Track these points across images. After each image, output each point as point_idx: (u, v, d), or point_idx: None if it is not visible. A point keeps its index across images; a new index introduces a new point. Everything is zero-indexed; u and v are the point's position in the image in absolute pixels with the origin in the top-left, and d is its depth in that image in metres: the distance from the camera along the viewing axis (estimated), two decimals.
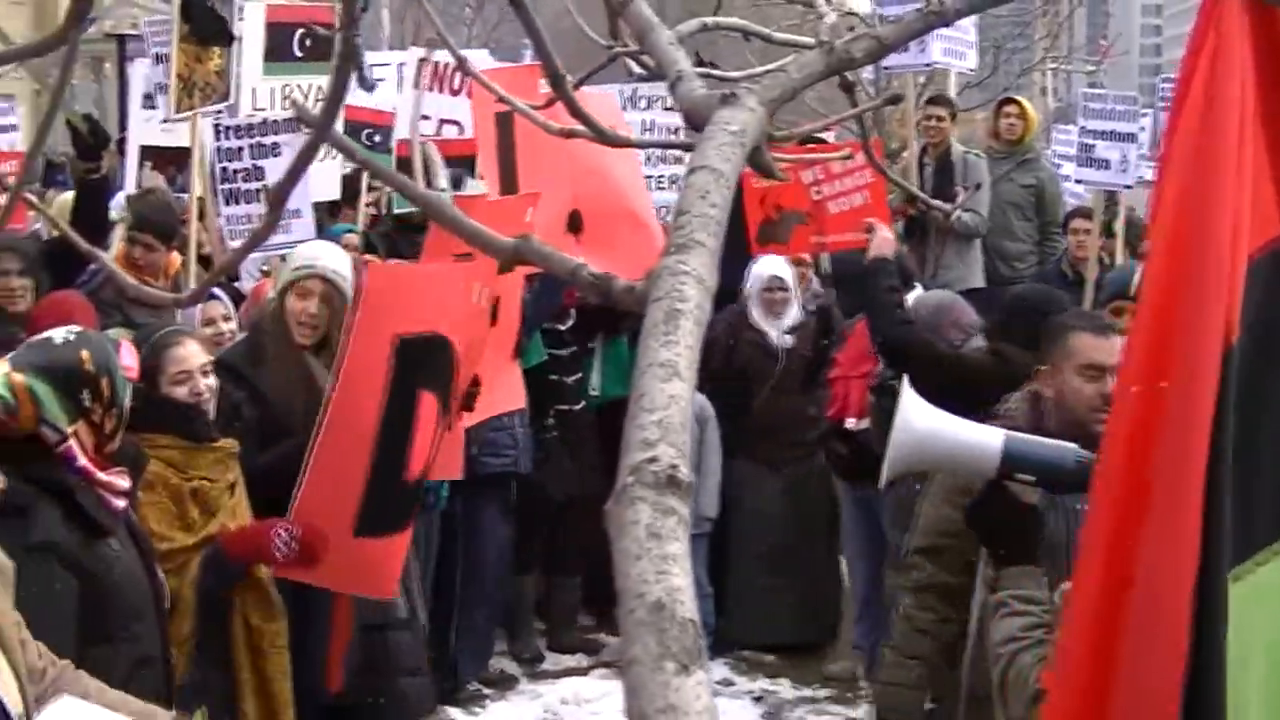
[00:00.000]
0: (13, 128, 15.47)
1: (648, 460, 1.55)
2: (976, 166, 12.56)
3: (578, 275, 1.98)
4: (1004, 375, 6.35)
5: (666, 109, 11.66)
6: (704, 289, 1.83)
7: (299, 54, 10.42)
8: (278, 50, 10.30)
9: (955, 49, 12.67)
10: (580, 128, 2.37)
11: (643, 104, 11.72)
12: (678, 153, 11.44)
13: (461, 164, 10.45)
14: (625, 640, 1.39)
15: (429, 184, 9.44)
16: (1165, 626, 2.79)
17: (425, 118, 10.53)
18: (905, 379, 5.13)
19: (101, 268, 8.07)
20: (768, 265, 10.48)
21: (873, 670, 9.93)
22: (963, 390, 6.18)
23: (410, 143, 10.12)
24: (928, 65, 13.33)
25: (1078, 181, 13.98)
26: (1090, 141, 12.76)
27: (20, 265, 8.00)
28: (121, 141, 12.49)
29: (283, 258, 7.59)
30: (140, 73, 12.23)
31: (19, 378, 4.67)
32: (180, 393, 5.77)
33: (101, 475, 4.78)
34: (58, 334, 4.93)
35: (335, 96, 1.72)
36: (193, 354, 5.84)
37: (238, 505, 5.91)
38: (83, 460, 4.72)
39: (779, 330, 10.34)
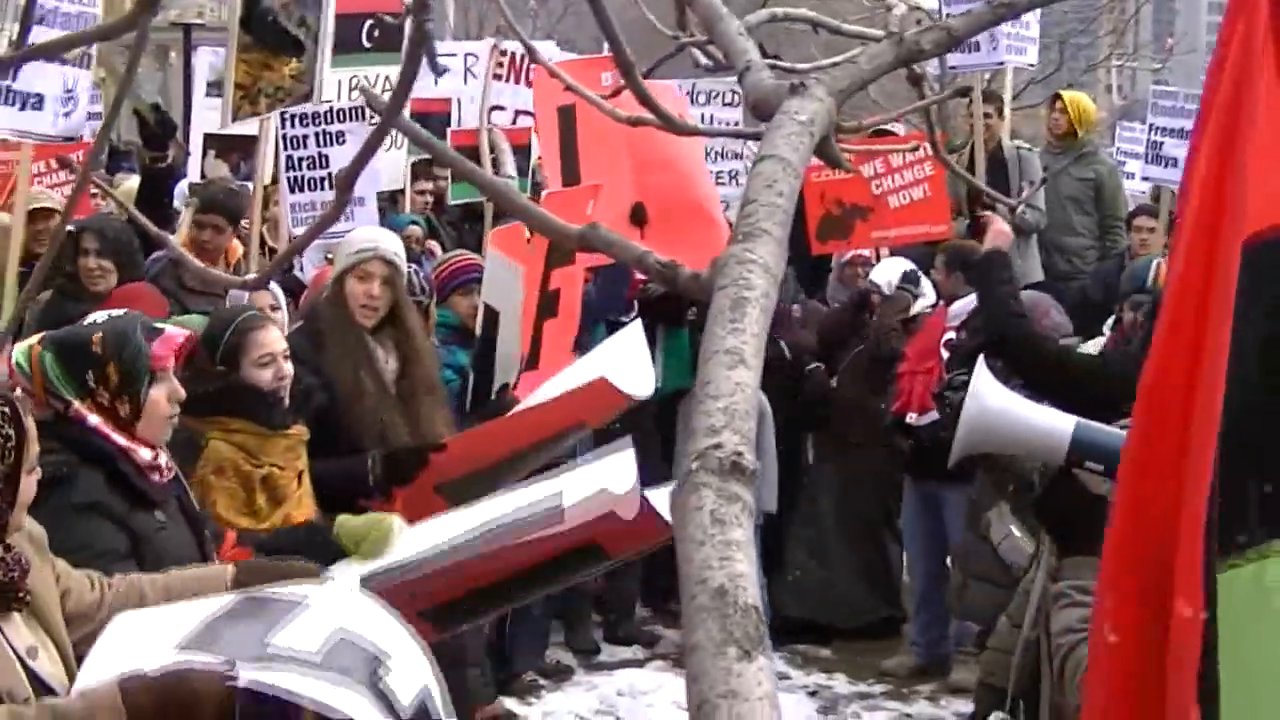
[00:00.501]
0: (97, 115, 15.58)
1: (713, 446, 1.55)
2: (1030, 161, 12.48)
3: (645, 262, 1.99)
4: (1111, 378, 6.31)
5: (726, 104, 11.67)
6: (770, 277, 1.83)
7: (367, 44, 10.45)
8: (346, 41, 10.29)
9: (1017, 45, 12.62)
10: (648, 115, 2.37)
11: (702, 99, 11.72)
12: (738, 149, 11.46)
13: (518, 153, 10.50)
14: (688, 625, 1.39)
15: (496, 172, 9.48)
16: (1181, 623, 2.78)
17: (500, 108, 10.60)
18: (980, 359, 5.12)
19: (161, 255, 8.18)
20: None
21: (930, 667, 9.97)
22: (1067, 389, 6.16)
23: (479, 131, 10.16)
24: (998, 63, 13.24)
25: (1144, 179, 13.88)
26: (1159, 139, 12.67)
27: (99, 246, 8.06)
28: (186, 131, 12.57)
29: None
30: (205, 61, 12.30)
31: (37, 349, 4.69)
32: (264, 376, 5.75)
33: (124, 442, 4.75)
34: (99, 315, 4.95)
35: (405, 83, 1.73)
36: (275, 338, 5.84)
37: (304, 495, 5.91)
38: (107, 429, 4.70)
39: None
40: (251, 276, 3.55)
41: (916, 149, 10.04)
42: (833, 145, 2.32)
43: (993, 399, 4.81)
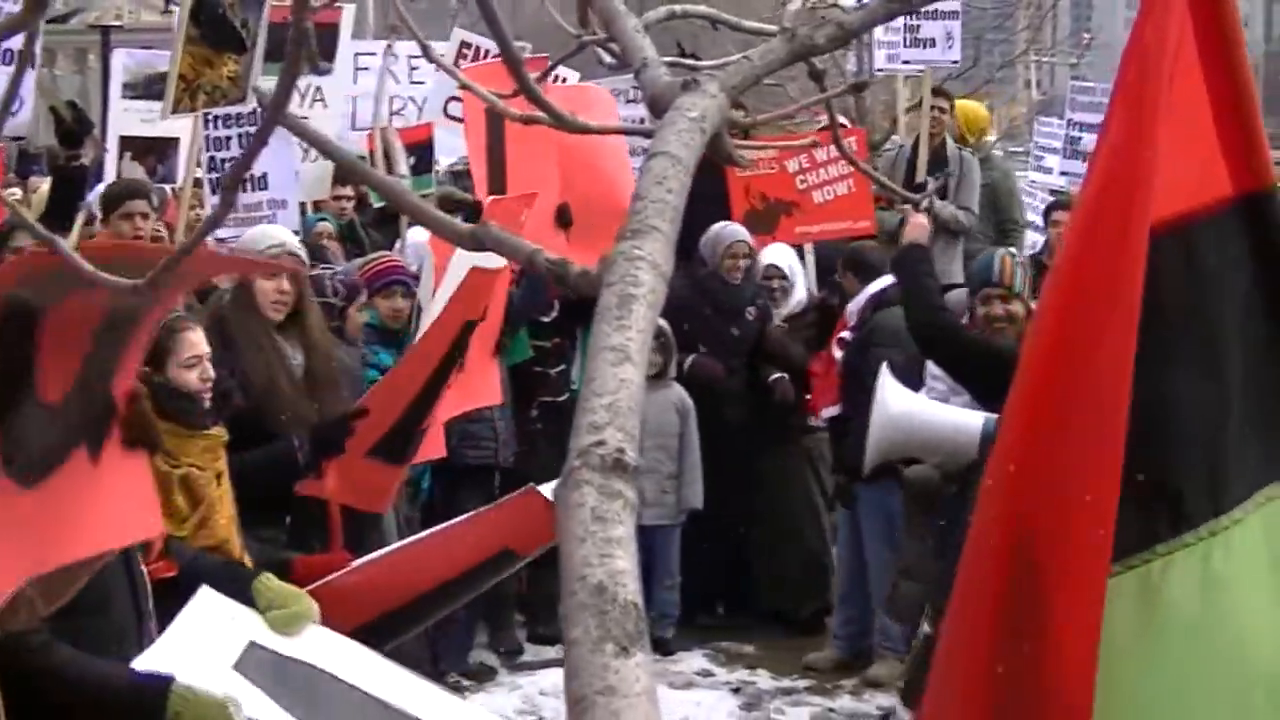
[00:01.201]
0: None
1: (595, 444, 1.55)
2: (970, 166, 12.43)
3: (534, 260, 1.98)
4: None
5: (629, 101, 11.66)
6: (659, 274, 1.83)
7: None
8: (278, 50, 10.21)
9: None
10: (540, 114, 2.37)
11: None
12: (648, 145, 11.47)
13: (423, 149, 10.51)
14: (567, 622, 1.39)
15: (390, 171, 9.49)
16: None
17: (456, 99, 10.62)
18: (884, 366, 5.14)
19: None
20: (767, 254, 10.47)
21: (853, 661, 10.01)
22: (993, 378, 6.17)
23: (374, 132, 10.19)
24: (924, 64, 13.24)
25: (1062, 174, 13.97)
26: (1077, 134, 12.75)
27: None
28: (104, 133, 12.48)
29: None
30: (120, 63, 12.20)
31: None
32: (190, 378, 5.70)
33: None
34: None
35: (287, 80, 1.72)
36: (202, 339, 5.80)
37: (224, 495, 5.87)
38: None
39: (776, 319, 10.33)
40: (143, 281, 3.47)
41: (816, 145, 10.09)
42: (726, 141, 2.32)
43: (898, 404, 4.85)
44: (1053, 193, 13.87)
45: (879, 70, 13.61)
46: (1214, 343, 2.90)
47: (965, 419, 4.70)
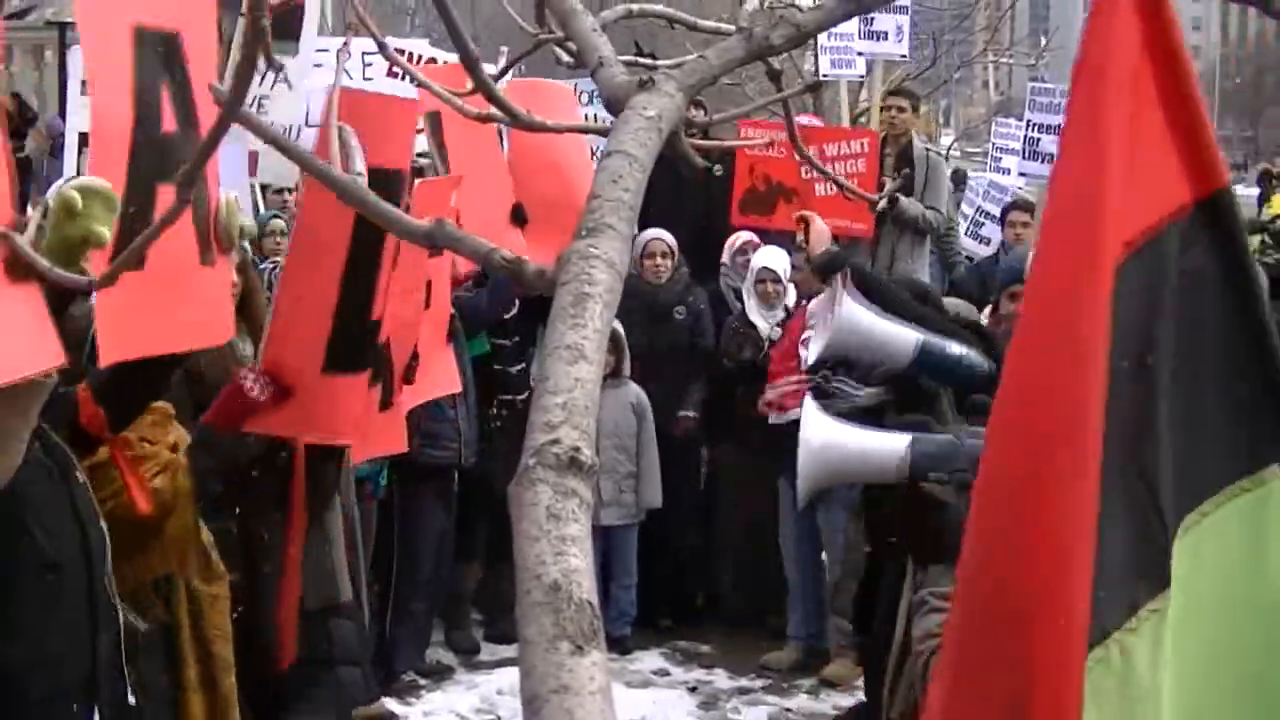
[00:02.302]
0: None
1: (550, 442, 1.55)
2: (937, 166, 12.42)
3: (490, 259, 1.98)
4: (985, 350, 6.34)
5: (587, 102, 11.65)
6: (614, 273, 1.84)
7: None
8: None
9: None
10: (497, 113, 2.37)
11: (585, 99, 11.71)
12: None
13: None
14: (521, 621, 1.39)
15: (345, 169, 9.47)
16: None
17: None
18: (809, 396, 5.17)
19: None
20: (761, 256, 10.45)
21: (809, 661, 10.04)
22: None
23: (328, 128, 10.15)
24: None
25: (1020, 174, 14.04)
26: (1036, 135, 12.80)
27: None
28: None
29: None
30: (79, 60, 12.13)
31: None
32: None
33: None
34: None
35: (242, 76, 1.72)
36: None
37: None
38: None
39: (771, 322, 10.32)
40: (98, 277, 3.48)
41: (771, 143, 10.12)
42: (682, 140, 2.32)
43: (819, 436, 4.86)
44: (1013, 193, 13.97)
45: (825, 75, 13.67)
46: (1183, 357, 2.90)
47: (891, 444, 4.74)
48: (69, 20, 25.44)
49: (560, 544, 1.44)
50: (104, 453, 5.45)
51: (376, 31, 2.99)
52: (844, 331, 5.04)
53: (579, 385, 1.63)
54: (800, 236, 7.13)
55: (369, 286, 6.08)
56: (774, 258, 10.39)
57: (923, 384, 6.02)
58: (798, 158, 10.03)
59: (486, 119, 2.44)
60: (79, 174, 10.72)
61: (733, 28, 2.87)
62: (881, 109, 13.02)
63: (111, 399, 5.50)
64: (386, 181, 5.99)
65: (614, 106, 2.33)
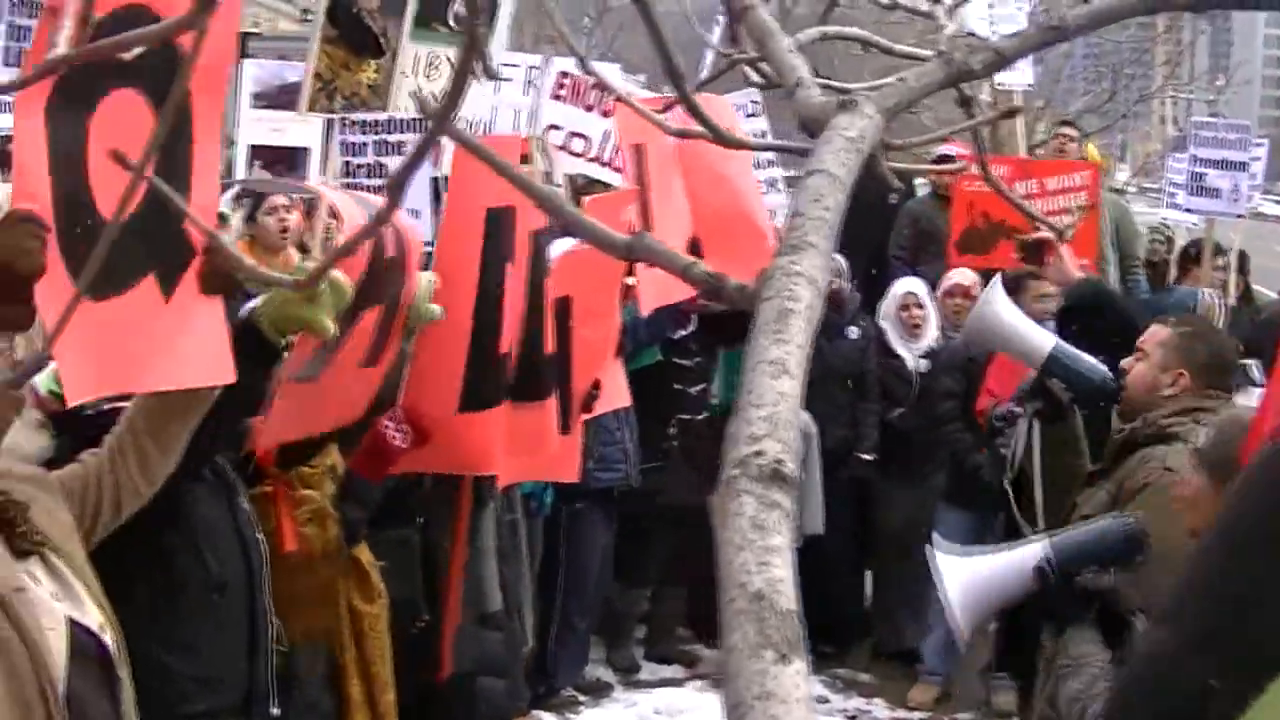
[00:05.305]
0: None
1: (754, 454, 1.56)
2: (1114, 201, 12.30)
3: (690, 273, 2.00)
4: None
5: (749, 115, 11.61)
6: (815, 290, 1.84)
7: (452, 24, 10.23)
8: (429, 18, 9.89)
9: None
10: (696, 129, 2.39)
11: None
12: (771, 156, 11.45)
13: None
14: (725, 628, 1.40)
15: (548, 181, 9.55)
16: None
17: (556, 127, 10.64)
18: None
19: None
20: (904, 283, 10.40)
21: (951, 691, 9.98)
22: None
23: (529, 140, 10.22)
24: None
25: (1188, 210, 13.88)
26: (1201, 170, 12.65)
27: None
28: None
29: None
30: (251, 73, 12.29)
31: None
32: None
33: None
34: None
35: (457, 88, 1.74)
36: None
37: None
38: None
39: (915, 354, 10.27)
40: (303, 276, 3.57)
41: (966, 168, 10.00)
42: (880, 162, 2.33)
43: (991, 304, 5.15)
44: (1189, 230, 13.78)
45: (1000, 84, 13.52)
46: None
47: (1043, 337, 5.13)
48: (248, 30, 25.84)
49: (764, 554, 1.45)
50: (268, 486, 5.59)
51: (582, 54, 3.01)
52: (984, 327, 5.38)
53: (782, 399, 1.64)
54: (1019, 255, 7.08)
55: (496, 321, 6.17)
56: (916, 284, 10.34)
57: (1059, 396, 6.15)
58: (1020, 192, 9.98)
59: (685, 135, 2.46)
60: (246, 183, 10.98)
61: (927, 52, 2.88)
62: (1052, 138, 12.91)
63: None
64: (500, 220, 6.08)
65: (811, 127, 2.34)
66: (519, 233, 6.25)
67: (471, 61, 1.69)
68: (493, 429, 6.34)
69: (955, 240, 10.76)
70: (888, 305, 10.39)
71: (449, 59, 10.09)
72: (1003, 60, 2.50)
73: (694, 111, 2.29)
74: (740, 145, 2.50)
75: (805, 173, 2.08)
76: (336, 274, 4.69)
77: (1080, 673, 4.58)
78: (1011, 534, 7.36)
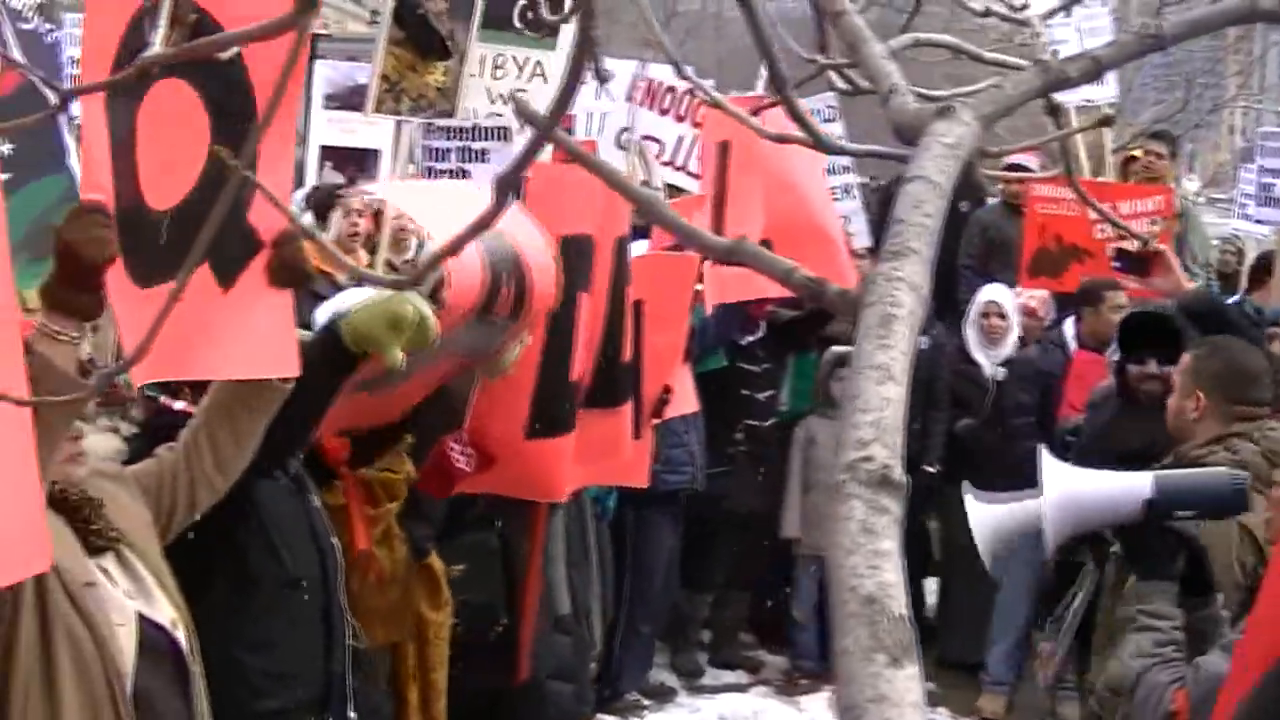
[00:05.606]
0: None
1: (863, 459, 1.57)
2: (1195, 219, 12.20)
3: (792, 278, 2.01)
4: None
5: (825, 120, 11.60)
6: (918, 296, 1.85)
7: (518, 25, 10.27)
8: (497, 17, 9.98)
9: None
10: (795, 133, 2.39)
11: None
12: (847, 162, 11.44)
13: None
14: (838, 631, 1.41)
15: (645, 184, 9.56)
16: None
17: (628, 130, 10.66)
18: (1042, 450, 5.04)
19: None
20: (988, 290, 10.38)
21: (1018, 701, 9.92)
22: None
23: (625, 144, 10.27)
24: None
25: (1257, 221, 13.78)
26: (1270, 180, 12.54)
27: None
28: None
29: None
30: (323, 74, 12.34)
31: None
32: None
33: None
34: None
35: (566, 93, 1.75)
36: None
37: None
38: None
39: (994, 361, 10.23)
40: (407, 276, 3.62)
41: (1033, 174, 9.93)
42: (977, 169, 2.33)
43: (1062, 487, 4.76)
44: (1259, 241, 13.66)
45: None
46: None
47: (1135, 484, 4.63)
48: (320, 32, 25.92)
49: (874, 558, 1.46)
50: (338, 492, 5.61)
51: (675, 55, 3.02)
52: (1066, 517, 4.85)
53: (888, 405, 1.65)
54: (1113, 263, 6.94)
55: (568, 349, 6.16)
56: (1001, 292, 10.31)
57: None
58: (1091, 216, 9.90)
59: (784, 139, 2.47)
60: (319, 186, 11.01)
61: (1016, 60, 2.87)
62: (1144, 153, 12.78)
63: (361, 436, 5.66)
64: (579, 246, 6.08)
65: (905, 133, 2.34)
66: (598, 257, 6.25)
67: (583, 65, 1.70)
68: (559, 455, 6.36)
69: (1026, 263, 10.67)
70: (972, 312, 10.36)
71: (514, 60, 10.14)
72: (1100, 68, 2.49)
73: (795, 115, 2.30)
74: (839, 150, 2.50)
75: (905, 179, 2.09)
76: (429, 314, 4.73)
77: (1150, 631, 4.54)
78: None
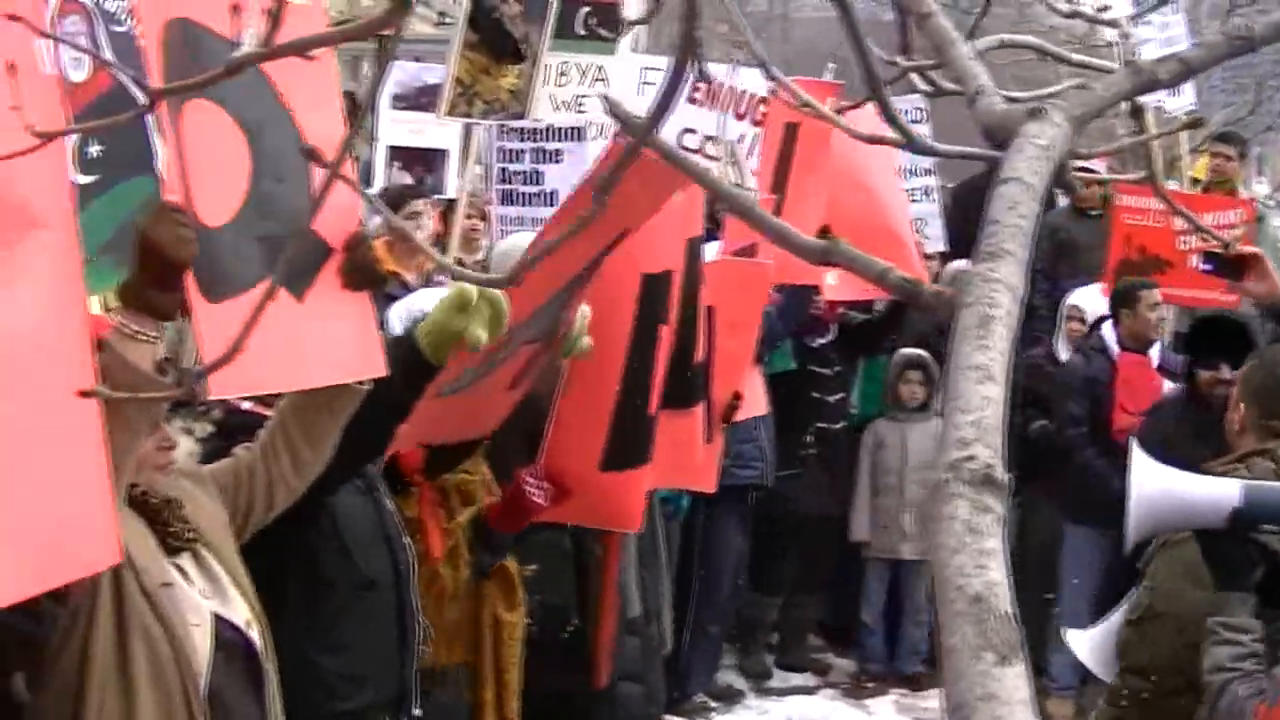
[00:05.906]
0: None
1: (965, 458, 1.58)
2: (1265, 218, 12.10)
3: (887, 278, 2.01)
4: None
5: (913, 121, 11.56)
6: (1014, 296, 1.85)
7: (581, 32, 10.31)
8: (563, 28, 10.15)
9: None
10: (887, 134, 2.40)
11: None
12: (928, 165, 11.41)
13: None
14: (945, 630, 1.42)
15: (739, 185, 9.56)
16: None
17: (691, 131, 10.68)
18: (1134, 442, 4.99)
19: None
20: (1076, 295, 10.36)
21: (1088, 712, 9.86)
22: None
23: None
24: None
25: None
26: None
27: None
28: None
29: None
30: (394, 76, 12.39)
31: None
32: None
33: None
34: None
35: (669, 94, 1.76)
36: None
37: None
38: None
39: None
40: (503, 275, 3.64)
41: (1138, 181, 9.84)
42: (1069, 171, 2.33)
43: (1152, 484, 4.71)
44: None
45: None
46: None
47: (1222, 491, 4.56)
48: (389, 34, 26.00)
49: (980, 557, 1.47)
50: (413, 502, 5.61)
51: (764, 56, 3.02)
52: (1152, 513, 4.77)
53: (989, 404, 1.66)
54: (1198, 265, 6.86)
55: (646, 384, 6.13)
56: (1087, 297, 10.28)
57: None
58: (1175, 227, 9.87)
59: (877, 140, 2.47)
60: (387, 187, 11.05)
61: (1101, 62, 2.87)
62: (1211, 155, 12.69)
63: (439, 447, 5.67)
64: (657, 285, 6.07)
65: (994, 135, 2.34)
66: (673, 294, 6.24)
67: (685, 66, 1.71)
68: (635, 486, 6.35)
69: (1111, 272, 10.60)
70: (1060, 313, 10.37)
71: (577, 66, 10.19)
72: (1189, 70, 2.49)
73: (889, 116, 2.30)
74: (931, 151, 2.51)
75: (998, 180, 2.09)
76: (495, 292, 4.72)
77: (1229, 645, 4.51)
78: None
